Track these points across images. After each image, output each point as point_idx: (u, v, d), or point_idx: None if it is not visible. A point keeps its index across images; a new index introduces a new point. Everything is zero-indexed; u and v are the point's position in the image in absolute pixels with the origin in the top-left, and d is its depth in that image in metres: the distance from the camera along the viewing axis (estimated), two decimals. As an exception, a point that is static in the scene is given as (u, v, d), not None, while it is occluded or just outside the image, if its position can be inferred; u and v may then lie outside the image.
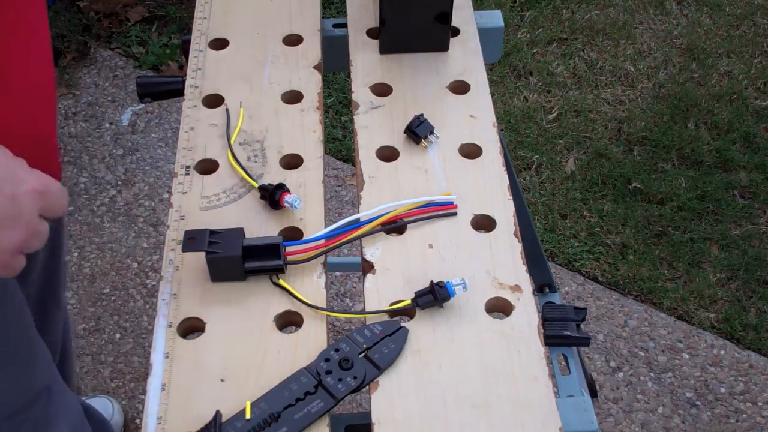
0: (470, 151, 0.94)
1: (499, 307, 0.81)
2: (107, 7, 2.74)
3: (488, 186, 0.90)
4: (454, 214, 0.88)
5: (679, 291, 2.05)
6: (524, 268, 0.83)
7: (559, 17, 2.77)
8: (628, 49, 2.66)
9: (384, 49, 1.05)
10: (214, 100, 1.00)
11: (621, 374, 1.90)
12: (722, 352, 1.95)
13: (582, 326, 1.04)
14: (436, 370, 0.75)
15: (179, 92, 1.03)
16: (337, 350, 0.76)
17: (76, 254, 2.14)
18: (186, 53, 1.06)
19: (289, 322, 0.80)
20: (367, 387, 0.75)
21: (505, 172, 0.92)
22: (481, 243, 0.85)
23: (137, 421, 1.82)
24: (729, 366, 1.92)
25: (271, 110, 0.99)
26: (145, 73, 2.62)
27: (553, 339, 1.01)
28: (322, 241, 0.84)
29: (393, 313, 0.80)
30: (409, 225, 0.87)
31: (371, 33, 1.08)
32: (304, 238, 0.85)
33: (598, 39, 2.70)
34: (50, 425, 1.13)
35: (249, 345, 0.77)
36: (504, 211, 0.88)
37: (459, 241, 0.85)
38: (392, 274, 0.83)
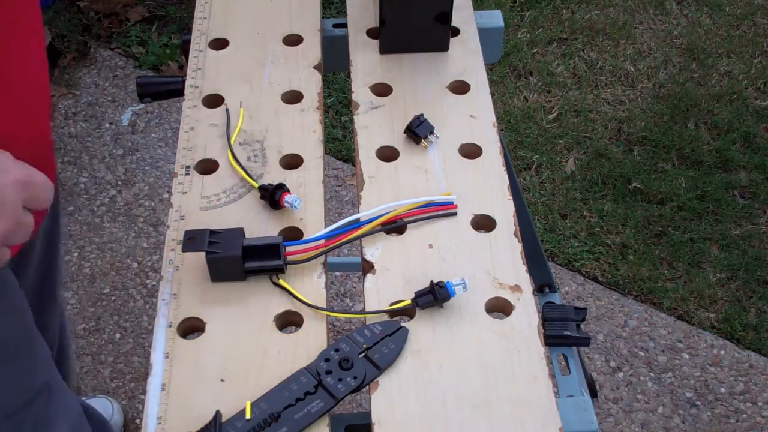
0: (470, 151, 0.94)
1: (499, 307, 0.81)
2: (107, 7, 2.74)
3: (488, 186, 0.90)
4: (454, 214, 0.88)
5: (679, 291, 2.05)
6: (524, 268, 0.83)
7: (559, 17, 2.77)
8: (628, 49, 2.66)
9: (384, 49, 1.05)
10: (214, 100, 1.00)
11: (621, 374, 1.90)
12: (722, 352, 1.95)
13: (582, 326, 1.04)
14: (436, 370, 0.75)
15: (179, 92, 1.03)
16: (337, 350, 0.76)
17: (76, 254, 2.14)
18: (186, 53, 1.06)
19: (289, 322, 0.80)
20: (367, 387, 0.75)
21: (505, 172, 0.92)
22: (481, 243, 0.85)
23: (137, 421, 1.82)
24: (729, 366, 1.92)
25: (271, 110, 0.99)
26: (145, 73, 2.62)
27: (553, 339, 1.01)
28: (322, 241, 0.84)
29: (393, 313, 0.80)
30: (409, 225, 0.87)
31: (371, 33, 1.08)
32: (304, 238, 0.85)
33: (598, 39, 2.70)
34: (50, 425, 1.13)
35: (249, 345, 0.77)
36: (504, 211, 0.88)
37: (459, 241, 0.85)
38: (392, 274, 0.83)
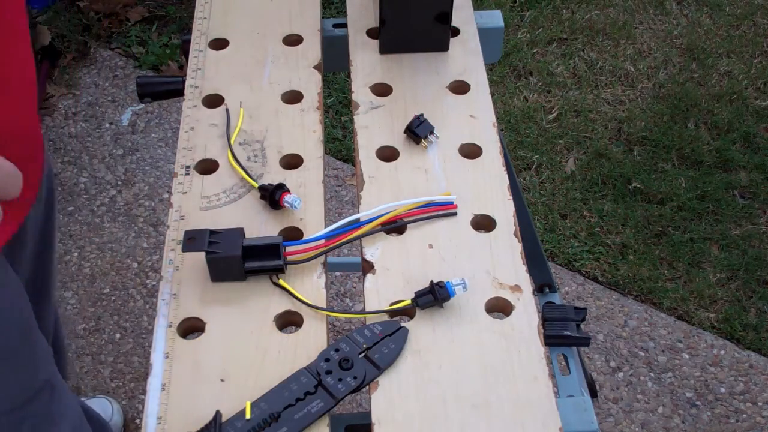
0: (470, 151, 0.94)
1: (499, 307, 0.81)
2: (107, 7, 2.74)
3: (488, 186, 0.90)
4: (454, 214, 0.88)
5: (679, 291, 2.05)
6: (524, 268, 0.83)
7: (559, 17, 2.77)
8: (628, 49, 2.66)
9: (384, 49, 1.05)
10: (214, 100, 1.00)
11: (621, 374, 1.90)
12: (722, 352, 1.95)
13: (582, 326, 1.04)
14: (436, 370, 0.75)
15: (179, 92, 1.03)
16: (337, 350, 0.76)
17: (76, 254, 2.14)
18: (186, 53, 1.06)
19: (289, 322, 0.80)
20: (367, 387, 0.75)
21: (505, 172, 0.92)
22: (481, 243, 0.85)
23: (137, 421, 1.82)
24: (729, 366, 1.92)
25: (271, 110, 0.99)
26: (145, 73, 2.62)
27: (553, 339, 1.01)
28: (322, 241, 0.84)
29: (393, 313, 0.80)
30: (409, 225, 0.87)
31: (371, 33, 1.08)
32: (304, 238, 0.85)
33: (598, 39, 2.70)
34: (54, 424, 1.13)
35: (249, 345, 0.77)
36: (504, 211, 0.88)
37: (459, 241, 0.85)
38: (392, 274, 0.83)
